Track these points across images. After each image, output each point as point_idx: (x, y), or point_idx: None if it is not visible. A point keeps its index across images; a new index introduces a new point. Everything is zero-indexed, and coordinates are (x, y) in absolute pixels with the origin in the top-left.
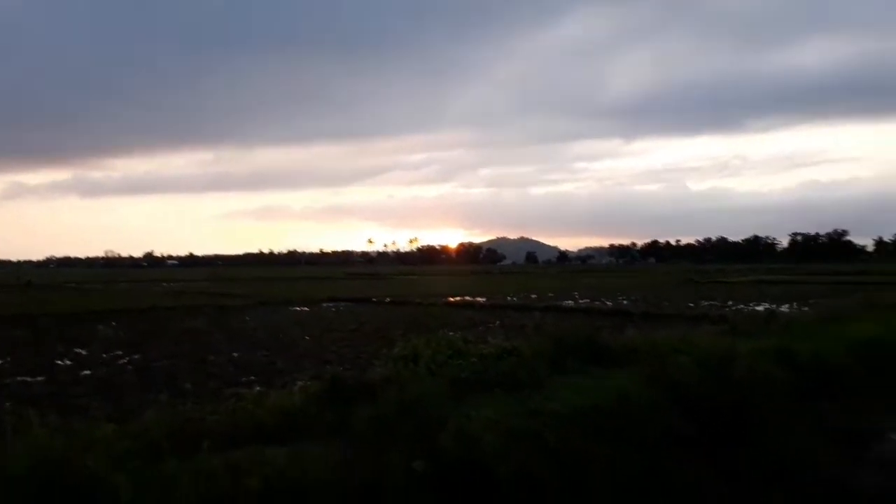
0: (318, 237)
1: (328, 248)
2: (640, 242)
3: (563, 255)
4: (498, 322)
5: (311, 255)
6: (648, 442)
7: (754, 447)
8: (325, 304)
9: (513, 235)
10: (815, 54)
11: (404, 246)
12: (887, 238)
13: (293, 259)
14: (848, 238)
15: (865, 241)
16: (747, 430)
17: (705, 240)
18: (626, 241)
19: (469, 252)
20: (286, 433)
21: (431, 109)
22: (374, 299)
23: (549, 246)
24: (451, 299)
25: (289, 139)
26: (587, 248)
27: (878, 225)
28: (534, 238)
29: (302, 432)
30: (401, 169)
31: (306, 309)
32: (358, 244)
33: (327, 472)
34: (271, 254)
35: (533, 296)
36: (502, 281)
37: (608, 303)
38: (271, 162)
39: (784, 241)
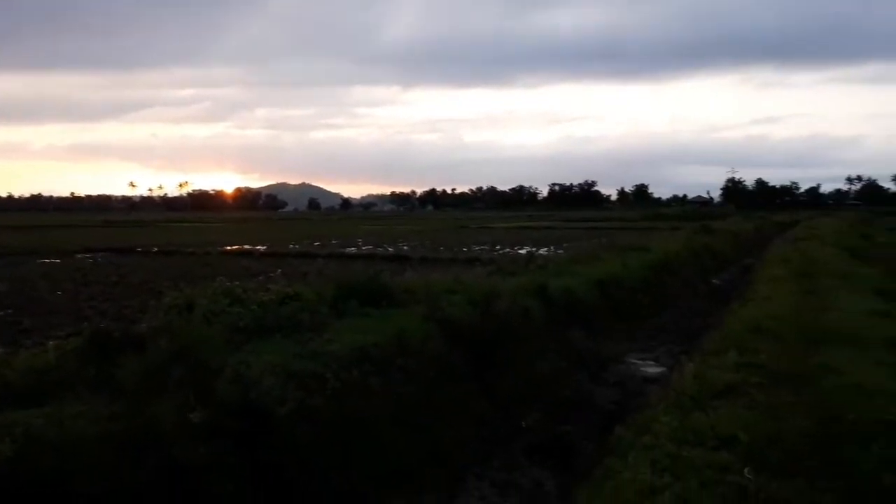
0: (69, 179)
1: (82, 193)
2: (419, 190)
3: (345, 202)
4: (279, 271)
5: (61, 199)
6: (423, 373)
7: (513, 370)
8: (79, 256)
9: (294, 181)
10: (574, 18)
11: (173, 191)
12: (628, 189)
13: (38, 204)
14: (596, 188)
15: (610, 191)
16: (508, 356)
17: (478, 188)
18: (406, 189)
19: (247, 198)
20: (41, 395)
21: (201, 40)
22: (138, 249)
23: (331, 192)
24: (228, 248)
25: (26, 65)
26: (370, 196)
27: (620, 177)
28: (316, 184)
29: (61, 392)
30: (165, 104)
31: (57, 261)
32: (118, 188)
33: (91, 429)
34: (10, 198)
35: (316, 243)
36: (283, 228)
37: (389, 249)
38: (4, 91)
39: (544, 191)
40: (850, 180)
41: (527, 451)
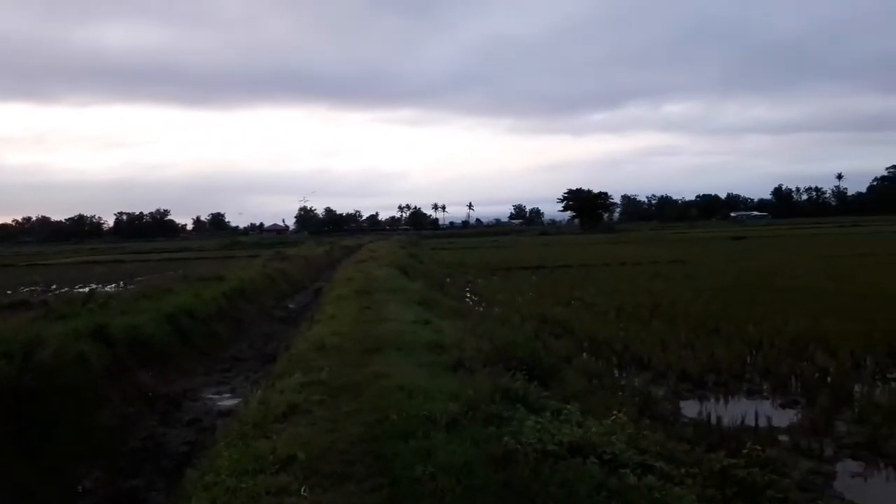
0: None
1: None
2: None
3: None
4: None
5: None
6: None
7: (66, 426)
8: None
9: None
10: (123, 35)
11: None
12: (204, 217)
13: None
14: (170, 217)
15: (185, 219)
16: (58, 412)
17: (25, 219)
18: None
19: None
20: None
21: None
22: None
23: None
24: None
25: None
26: None
27: (195, 205)
28: None
29: None
30: None
31: None
32: None
33: None
34: None
35: None
36: None
37: None
38: None
39: (110, 221)
40: (401, 208)
41: None
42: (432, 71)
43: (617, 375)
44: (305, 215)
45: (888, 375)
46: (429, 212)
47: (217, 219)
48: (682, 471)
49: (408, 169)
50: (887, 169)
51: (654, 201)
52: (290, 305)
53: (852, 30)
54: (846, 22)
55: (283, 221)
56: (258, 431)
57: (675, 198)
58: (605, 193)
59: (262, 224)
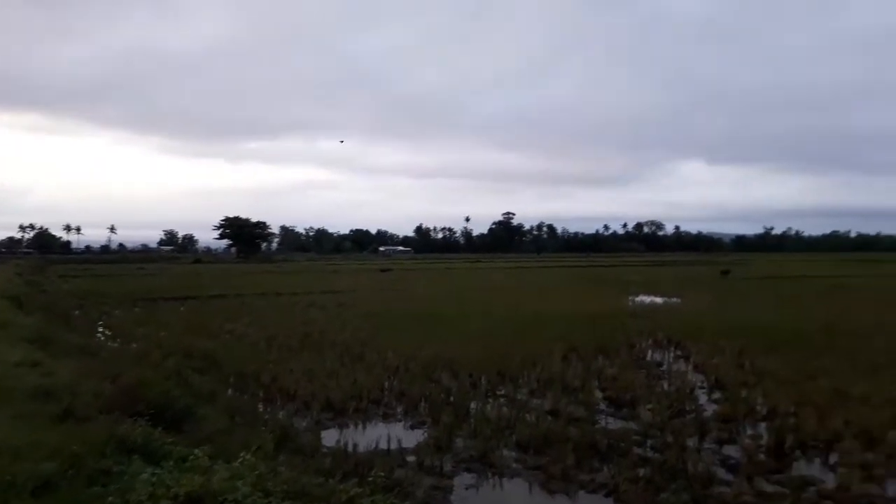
0: None
1: None
2: None
3: None
4: None
5: None
6: None
7: None
8: None
9: None
10: None
11: None
12: None
13: None
14: None
15: None
16: None
17: None
18: None
19: None
20: None
21: None
22: None
23: None
24: None
25: None
26: None
27: None
28: None
29: None
30: None
31: None
32: None
33: None
34: None
35: None
36: None
37: None
38: None
39: None
40: (23, 228)
41: None
42: (64, 74)
43: (261, 410)
44: None
45: (497, 392)
46: (59, 233)
47: None
48: None
49: (32, 183)
50: (503, 214)
51: (311, 233)
52: None
53: (483, 89)
54: (478, 81)
55: None
56: None
57: (331, 231)
58: (264, 223)
59: None
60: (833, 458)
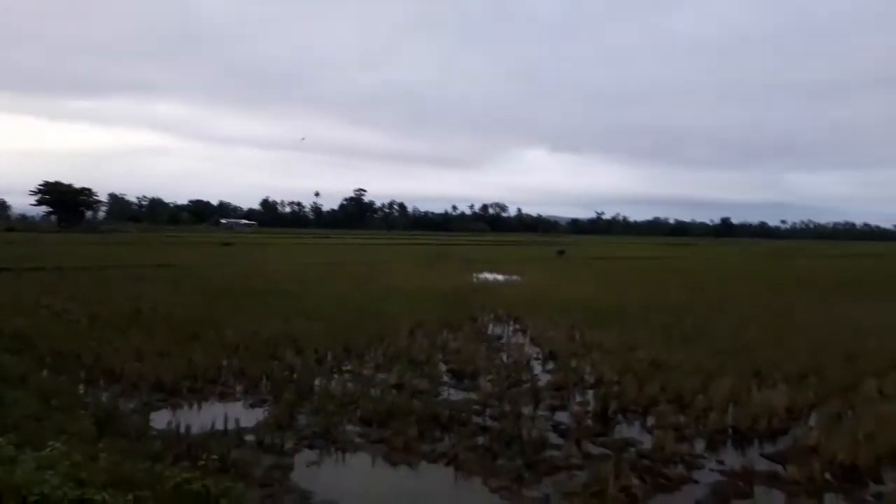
0: None
1: None
2: None
3: None
4: None
5: None
6: None
7: None
8: None
9: None
10: None
11: None
12: None
13: None
14: None
15: None
16: None
17: None
18: None
19: None
20: None
21: None
22: None
23: None
24: None
25: None
26: None
27: None
28: None
29: None
30: None
31: None
32: None
33: None
34: None
35: None
36: None
37: None
38: None
39: None
40: None
41: None
42: None
43: (82, 392)
44: None
45: (343, 368)
46: None
47: None
48: (131, 496)
49: None
50: (354, 190)
51: (144, 203)
52: None
53: (333, 62)
54: (326, 54)
55: None
56: None
57: (167, 201)
58: (89, 189)
59: None
60: (650, 421)
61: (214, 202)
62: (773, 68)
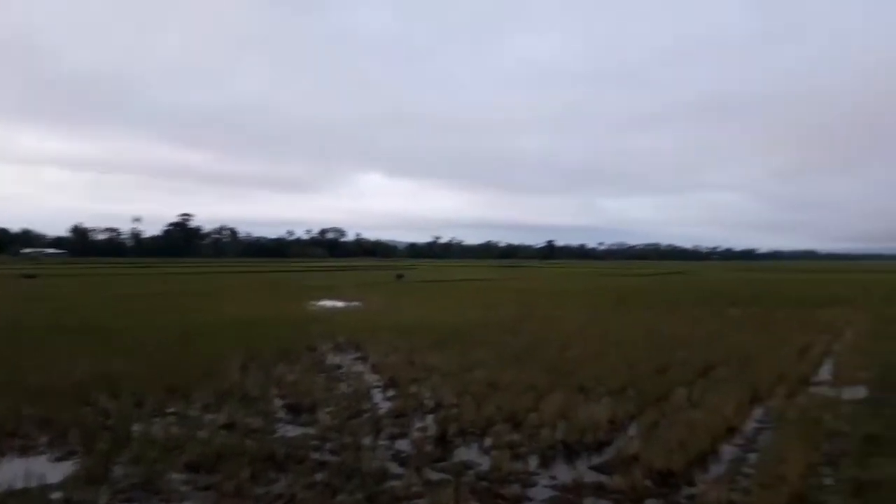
0: None
1: None
2: None
3: None
4: None
5: None
6: None
7: None
8: None
9: None
10: None
11: None
12: None
13: None
14: None
15: None
16: None
17: None
18: None
19: None
20: None
21: None
22: None
23: None
24: None
25: None
26: None
27: None
28: None
29: None
30: None
31: None
32: None
33: None
34: None
35: None
36: None
37: None
38: None
39: None
40: None
41: None
42: None
43: None
44: None
45: (166, 410)
46: None
47: None
48: None
49: None
50: (179, 215)
51: None
52: None
53: (156, 77)
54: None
55: None
56: None
57: None
58: None
59: None
60: (488, 442)
61: (15, 229)
62: (586, 100)
